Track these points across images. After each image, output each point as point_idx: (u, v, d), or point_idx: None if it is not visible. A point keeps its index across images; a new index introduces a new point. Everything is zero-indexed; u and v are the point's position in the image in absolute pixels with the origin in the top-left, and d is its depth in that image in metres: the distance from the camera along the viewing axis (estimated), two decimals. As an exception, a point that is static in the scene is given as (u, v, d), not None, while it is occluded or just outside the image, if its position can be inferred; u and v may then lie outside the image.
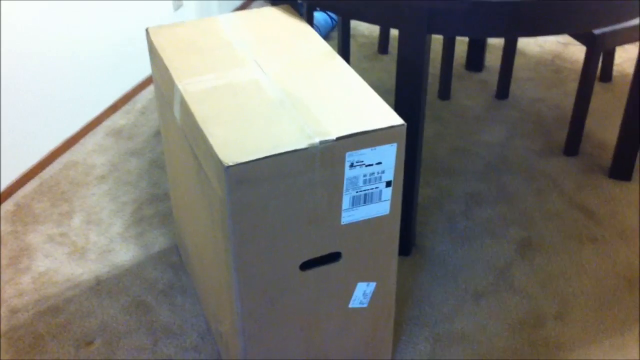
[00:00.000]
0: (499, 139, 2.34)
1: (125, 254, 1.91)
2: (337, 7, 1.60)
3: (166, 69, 1.44)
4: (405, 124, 1.26)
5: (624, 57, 2.79)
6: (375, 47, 2.92)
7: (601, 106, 2.49)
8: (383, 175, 1.29)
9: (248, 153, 1.18)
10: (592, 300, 1.74)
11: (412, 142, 1.68)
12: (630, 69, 2.72)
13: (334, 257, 1.36)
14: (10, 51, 2.04)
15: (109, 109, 2.53)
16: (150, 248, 1.93)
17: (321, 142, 1.21)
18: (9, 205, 2.10)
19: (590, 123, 2.40)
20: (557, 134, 2.36)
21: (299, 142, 1.20)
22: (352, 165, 1.25)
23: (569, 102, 2.53)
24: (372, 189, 1.30)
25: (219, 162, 1.17)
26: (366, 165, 1.27)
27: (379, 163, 1.28)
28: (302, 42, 1.53)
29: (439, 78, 2.61)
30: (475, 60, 2.71)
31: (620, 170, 2.11)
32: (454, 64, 2.78)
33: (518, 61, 2.79)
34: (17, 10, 2.03)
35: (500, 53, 2.86)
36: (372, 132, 1.24)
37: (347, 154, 1.24)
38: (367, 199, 1.31)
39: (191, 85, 1.37)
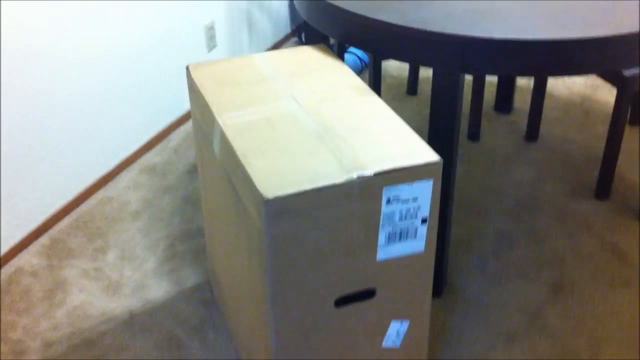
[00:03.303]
0: (529, 179, 2.35)
1: (158, 290, 1.93)
2: (370, 46, 1.64)
3: (206, 104, 1.48)
4: (442, 160, 1.28)
5: (654, 101, 2.79)
6: (404, 87, 2.96)
7: (632, 149, 2.49)
8: (419, 211, 1.31)
9: (287, 186, 1.20)
10: (625, 345, 1.72)
11: (446, 180, 1.70)
12: (660, 112, 2.72)
13: (368, 294, 1.37)
14: (48, 87, 2.11)
15: (144, 146, 2.58)
16: (183, 284, 1.95)
17: (359, 177, 1.23)
18: (45, 239, 2.14)
19: (622, 166, 2.40)
20: (588, 176, 2.36)
21: (337, 176, 1.22)
22: (389, 201, 1.27)
23: (598, 144, 2.54)
24: (408, 225, 1.31)
25: (259, 194, 1.19)
26: (403, 201, 1.28)
27: (415, 199, 1.29)
28: (337, 77, 1.57)
29: (468, 119, 2.63)
30: (504, 102, 2.74)
31: (652, 213, 2.10)
32: (483, 105, 2.81)
33: (547, 104, 2.81)
34: (56, 45, 2.11)
35: (528, 95, 2.88)
36: (409, 168, 1.26)
37: (385, 188, 1.26)
38: (402, 235, 1.32)
39: (230, 119, 1.41)
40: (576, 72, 1.54)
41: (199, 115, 1.59)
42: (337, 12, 1.65)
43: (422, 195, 1.29)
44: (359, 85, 1.54)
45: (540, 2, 1.66)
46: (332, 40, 2.88)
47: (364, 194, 1.25)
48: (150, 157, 2.56)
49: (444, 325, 1.78)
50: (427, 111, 2.79)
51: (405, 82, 3.01)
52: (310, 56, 1.67)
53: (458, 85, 1.58)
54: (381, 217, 1.29)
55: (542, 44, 1.45)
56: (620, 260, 1.97)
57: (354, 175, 1.23)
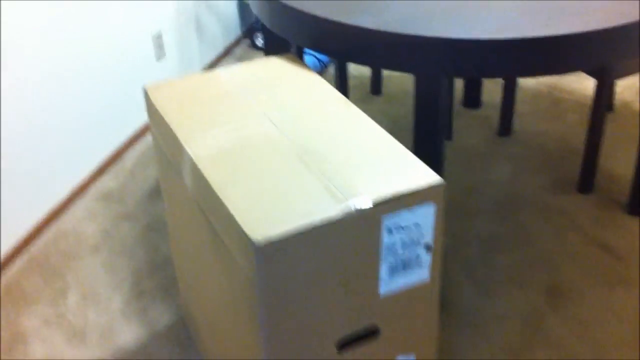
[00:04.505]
0: (508, 176, 2.25)
1: (128, 334, 1.77)
2: (343, 53, 1.50)
3: (171, 131, 1.33)
4: (444, 182, 1.16)
5: (623, 85, 2.74)
6: (367, 87, 2.84)
7: (608, 138, 2.42)
8: (422, 238, 1.18)
9: (277, 225, 1.06)
10: (632, 348, 1.63)
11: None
12: (629, 97, 2.66)
13: (371, 331, 1.24)
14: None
15: (97, 171, 2.40)
16: (155, 324, 1.79)
17: (356, 208, 1.09)
18: (-4, 284, 1.95)
19: (600, 156, 2.32)
20: (567, 168, 2.28)
21: (332, 208, 1.09)
22: (389, 230, 1.14)
23: (572, 134, 2.46)
24: (410, 254, 1.19)
25: (246, 237, 1.05)
26: (404, 229, 1.16)
27: (417, 225, 1.17)
28: (311, 90, 1.43)
29: (438, 118, 2.52)
30: (473, 97, 2.64)
31: (638, 206, 2.03)
32: (453, 100, 2.71)
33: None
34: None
35: (494, 88, 2.79)
36: (410, 193, 1.13)
37: (384, 217, 1.13)
38: (406, 265, 1.20)
39: (201, 147, 1.26)
40: (568, 69, 1.44)
41: (162, 141, 1.43)
42: (304, 17, 1.51)
43: (425, 221, 1.17)
44: (337, 97, 1.40)
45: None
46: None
47: (362, 225, 1.11)
48: (104, 182, 2.38)
49: (441, 345, 1.67)
50: (393, 111, 2.68)
51: (367, 81, 2.89)
52: (278, 68, 1.53)
53: (442, 90, 1.46)
54: (382, 249, 1.16)
55: (533, 42, 1.34)
56: (614, 258, 1.89)
57: (351, 206, 1.09)
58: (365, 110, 2.69)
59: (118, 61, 2.44)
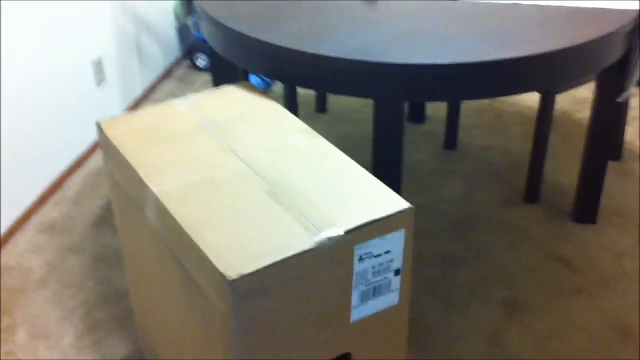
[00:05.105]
0: (459, 192, 2.29)
1: (84, 370, 1.70)
2: (302, 81, 1.50)
3: (130, 167, 1.29)
4: (413, 207, 1.16)
5: (561, 94, 2.82)
6: (312, 105, 2.84)
7: (550, 147, 2.49)
8: (392, 264, 1.18)
9: (251, 260, 1.04)
10: (591, 358, 1.67)
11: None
12: (567, 106, 2.75)
13: (344, 358, 1.23)
14: None
15: (38, 200, 2.31)
16: (111, 357, 1.73)
17: (329, 238, 1.08)
18: (-63, 327, 1.85)
19: (544, 166, 2.39)
20: (514, 180, 2.33)
21: (305, 241, 1.07)
22: (361, 259, 1.14)
23: (516, 146, 2.52)
24: (381, 279, 1.19)
25: (220, 274, 1.02)
26: (375, 256, 1.15)
27: (388, 252, 1.17)
28: (275, 121, 1.41)
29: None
30: (417, 111, 2.67)
31: (584, 214, 2.09)
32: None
33: (457, 109, 2.78)
34: None
35: (438, 102, 2.83)
36: (380, 220, 1.13)
37: (356, 246, 1.12)
38: (376, 291, 1.19)
39: (165, 185, 1.22)
40: (521, 91, 1.47)
41: (120, 178, 1.39)
42: (261, 46, 1.50)
43: (395, 247, 1.17)
44: (302, 128, 1.39)
45: (464, 21, 1.58)
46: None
47: (335, 255, 1.10)
48: (46, 212, 2.29)
49: (406, 365, 1.67)
50: (339, 129, 2.68)
51: (312, 99, 2.89)
52: (238, 98, 1.51)
53: (402, 115, 1.47)
54: (354, 277, 1.15)
55: (493, 65, 1.37)
56: (567, 268, 1.94)
57: (323, 237, 1.08)
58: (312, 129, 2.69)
59: (57, 87, 2.36)
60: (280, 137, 1.35)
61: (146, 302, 1.53)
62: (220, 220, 1.13)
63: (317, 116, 2.78)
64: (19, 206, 2.22)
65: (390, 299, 1.22)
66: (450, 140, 2.49)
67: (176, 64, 3.27)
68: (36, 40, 2.23)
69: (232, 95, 1.51)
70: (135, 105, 2.90)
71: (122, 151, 1.32)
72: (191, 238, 1.10)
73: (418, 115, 2.67)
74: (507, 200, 2.23)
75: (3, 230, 2.14)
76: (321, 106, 2.79)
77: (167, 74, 3.17)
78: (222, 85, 1.56)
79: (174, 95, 3.03)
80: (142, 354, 1.73)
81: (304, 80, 1.48)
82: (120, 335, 1.79)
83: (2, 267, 2.06)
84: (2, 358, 1.74)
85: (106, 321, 1.84)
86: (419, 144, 2.56)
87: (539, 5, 1.65)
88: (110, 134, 1.38)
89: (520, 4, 1.66)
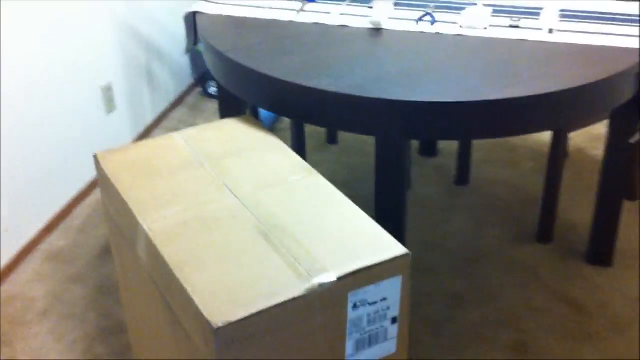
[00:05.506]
0: (468, 228, 2.24)
1: (79, 406, 1.67)
2: (303, 115, 1.47)
3: (124, 203, 1.27)
4: (410, 252, 1.12)
5: (577, 131, 2.77)
6: (323, 136, 2.82)
7: (564, 185, 2.44)
8: (388, 312, 1.14)
9: (238, 307, 1.01)
10: (601, 405, 1.61)
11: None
12: (582, 142, 2.70)
13: (337, 407, 1.19)
14: None
15: (45, 229, 2.30)
16: (107, 394, 1.70)
17: (320, 285, 1.05)
18: (-64, 357, 1.83)
19: (558, 204, 2.33)
20: (526, 218, 2.28)
21: (295, 287, 1.04)
22: (355, 306, 1.10)
23: (529, 182, 2.47)
24: (377, 328, 1.14)
25: (205, 321, 0.99)
26: (370, 304, 1.11)
27: (384, 299, 1.13)
28: (272, 156, 1.39)
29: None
30: (429, 145, 2.64)
31: (598, 256, 2.03)
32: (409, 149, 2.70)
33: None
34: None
35: (451, 135, 2.80)
36: (375, 266, 1.09)
37: (350, 293, 1.08)
38: (372, 340, 1.15)
39: (156, 222, 1.20)
40: (528, 131, 1.44)
41: (114, 212, 1.37)
42: (262, 79, 1.48)
43: (391, 294, 1.13)
44: (300, 164, 1.36)
45: (470, 56, 1.55)
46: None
47: (327, 302, 1.07)
48: (53, 241, 2.28)
49: (408, 410, 1.62)
50: (350, 160, 2.65)
51: (323, 130, 2.87)
52: (236, 131, 1.48)
53: (404, 152, 1.43)
54: (347, 325, 1.11)
55: (497, 104, 1.33)
56: (578, 311, 1.88)
57: (315, 283, 1.05)
58: (321, 160, 2.66)
59: (66, 115, 2.37)
60: (277, 174, 1.32)
61: (141, 337, 1.50)
62: (209, 262, 1.10)
63: (328, 147, 2.75)
64: (26, 234, 2.21)
65: (387, 348, 1.18)
66: (462, 174, 2.45)
67: (188, 91, 3.27)
68: (43, 66, 2.24)
69: (232, 129, 1.49)
70: (146, 133, 2.89)
71: (116, 185, 1.30)
72: (178, 279, 1.07)
73: (430, 149, 2.64)
74: (518, 238, 2.18)
75: (10, 258, 2.13)
76: (332, 137, 2.76)
77: (179, 101, 3.17)
78: (224, 119, 1.54)
79: (185, 123, 3.02)
80: (139, 391, 1.70)
81: (304, 114, 1.46)
82: (118, 371, 1.76)
83: (5, 297, 2.04)
84: (-2, 391, 1.72)
85: (105, 355, 1.81)
86: (431, 177, 2.52)
87: (547, 42, 1.62)
88: (106, 166, 1.36)
89: (527, 41, 1.62)
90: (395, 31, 1.71)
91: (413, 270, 2.03)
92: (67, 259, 2.19)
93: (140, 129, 2.86)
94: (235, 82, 1.58)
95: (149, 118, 2.91)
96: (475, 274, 2.04)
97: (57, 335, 1.89)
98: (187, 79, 3.28)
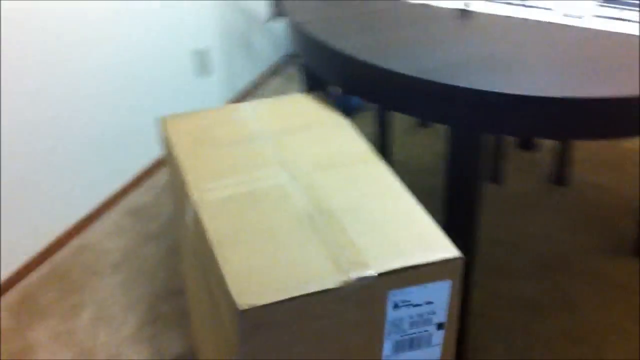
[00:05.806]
0: (558, 231, 2.08)
1: (133, 363, 1.69)
2: (375, 97, 1.39)
3: (179, 169, 1.24)
4: (463, 256, 1.03)
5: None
6: (414, 119, 2.71)
7: (672, 196, 2.23)
8: (433, 316, 1.06)
9: (268, 291, 0.95)
10: None
11: (467, 253, 1.44)
12: (702, 152, 2.45)
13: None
14: (17, 118, 1.88)
15: (130, 184, 2.35)
16: (164, 353, 1.71)
17: (358, 279, 0.98)
18: (13, 295, 1.91)
19: (662, 216, 2.13)
20: (625, 229, 2.09)
21: (331, 279, 0.98)
22: (396, 306, 1.02)
23: (633, 188, 2.27)
24: (420, 332, 1.07)
25: (232, 302, 0.95)
26: (414, 306, 1.04)
27: (430, 303, 1.04)
28: (335, 137, 1.32)
29: (490, 158, 2.37)
30: (528, 138, 2.48)
31: (701, 278, 1.84)
32: (506, 142, 2.55)
33: (574, 141, 2.55)
34: (35, 77, 1.88)
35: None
36: (421, 267, 1.01)
37: (390, 292, 1.01)
38: (414, 343, 1.07)
39: (206, 193, 1.16)
40: (623, 134, 1.29)
41: (173, 176, 1.35)
42: (331, 53, 1.40)
43: (438, 298, 1.04)
44: (363, 148, 1.29)
45: (565, 48, 1.41)
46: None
47: (364, 298, 1.00)
48: (136, 198, 2.33)
49: (460, 417, 1.53)
50: (439, 146, 2.54)
51: (419, 112, 2.76)
52: (304, 108, 1.42)
53: (479, 146, 1.32)
54: (386, 325, 1.04)
55: (585, 103, 1.19)
56: (665, 337, 1.71)
57: (352, 277, 0.98)
58: (409, 143, 2.56)
59: (159, 74, 2.39)
60: (337, 157, 1.26)
61: (193, 304, 1.49)
62: (249, 240, 1.05)
63: (418, 130, 2.65)
64: (111, 188, 2.27)
65: (431, 354, 1.10)
66: (559, 173, 2.29)
67: (287, 61, 3.24)
68: (142, 30, 2.26)
69: (302, 105, 1.43)
70: (239, 100, 2.89)
71: (175, 151, 1.28)
72: (215, 255, 1.03)
73: (527, 142, 2.48)
74: (612, 250, 2.01)
75: (91, 209, 2.19)
76: (423, 121, 2.65)
77: (277, 70, 3.14)
78: (296, 94, 1.48)
79: (278, 92, 2.99)
80: (193, 354, 1.70)
81: (374, 95, 1.37)
82: (177, 332, 1.77)
83: (82, 245, 2.10)
84: (63, 336, 1.77)
85: (167, 315, 1.83)
86: (526, 174, 2.37)
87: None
88: (170, 131, 1.34)
89: (634, 35, 1.45)
90: (482, 14, 1.58)
91: (491, 271, 1.92)
92: (146, 216, 2.23)
93: (235, 94, 2.86)
94: (310, 55, 1.51)
95: (244, 84, 2.91)
96: (556, 281, 1.89)
97: (125, 289, 1.93)
98: (287, 49, 3.25)
